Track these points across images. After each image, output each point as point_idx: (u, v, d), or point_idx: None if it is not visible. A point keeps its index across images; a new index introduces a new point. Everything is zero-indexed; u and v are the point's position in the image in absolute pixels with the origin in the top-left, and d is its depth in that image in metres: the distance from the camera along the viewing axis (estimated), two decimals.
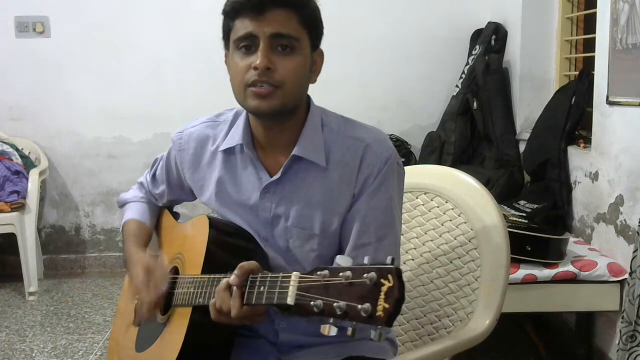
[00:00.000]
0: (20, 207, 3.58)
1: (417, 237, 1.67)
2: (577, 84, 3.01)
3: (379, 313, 0.88)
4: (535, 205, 2.90)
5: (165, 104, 3.99)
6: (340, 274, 0.93)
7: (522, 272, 2.43)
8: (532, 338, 2.92)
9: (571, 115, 2.99)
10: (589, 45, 3.07)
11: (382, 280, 0.89)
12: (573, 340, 2.72)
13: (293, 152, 1.29)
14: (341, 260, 0.97)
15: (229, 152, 1.37)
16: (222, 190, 1.38)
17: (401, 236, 1.42)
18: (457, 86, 3.83)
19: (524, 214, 2.78)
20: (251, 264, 1.11)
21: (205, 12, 3.60)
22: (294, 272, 1.00)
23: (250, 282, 1.09)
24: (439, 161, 3.71)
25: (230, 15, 1.25)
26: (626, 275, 2.28)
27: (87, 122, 4.05)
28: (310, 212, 1.31)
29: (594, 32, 2.70)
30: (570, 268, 2.45)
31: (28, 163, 3.81)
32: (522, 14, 3.50)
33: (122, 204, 1.61)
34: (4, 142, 3.82)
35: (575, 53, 3.37)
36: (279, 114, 1.26)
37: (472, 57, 3.79)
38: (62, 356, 2.90)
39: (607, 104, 2.55)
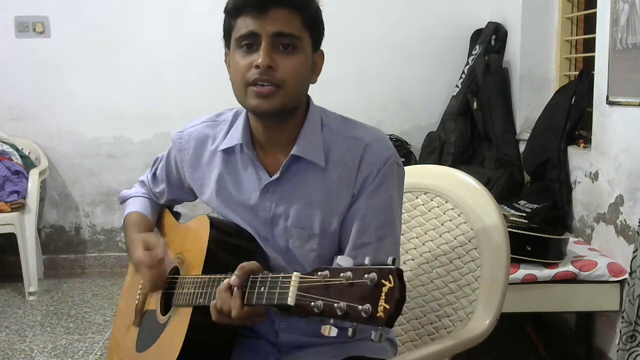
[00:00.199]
0: (20, 207, 3.58)
1: (417, 237, 1.67)
2: (577, 84, 3.01)
3: (380, 314, 0.88)
4: (535, 205, 2.90)
5: (165, 104, 3.99)
6: (341, 274, 0.93)
7: (522, 272, 2.43)
8: (532, 338, 2.92)
9: (571, 115, 2.99)
10: (589, 45, 3.07)
11: (383, 281, 0.89)
12: (573, 340, 2.72)
13: (292, 152, 1.29)
14: (341, 261, 0.96)
15: (228, 151, 1.37)
16: (222, 189, 1.38)
17: (401, 236, 1.42)
18: (457, 86, 3.83)
19: (524, 214, 2.78)
20: (252, 264, 1.11)
21: (205, 12, 3.64)
22: (295, 273, 1.00)
23: (251, 283, 1.09)
24: (439, 161, 3.71)
25: (232, 13, 1.25)
26: (626, 275, 2.28)
27: (87, 122, 4.05)
28: (309, 212, 1.31)
29: (594, 32, 2.70)
30: (570, 268, 2.45)
31: (28, 163, 3.81)
32: (522, 14, 3.50)
33: (124, 200, 1.61)
34: (4, 142, 3.82)
35: (575, 53, 3.37)
36: (279, 113, 1.26)
37: (472, 57, 3.79)
38: (62, 356, 2.90)
39: (607, 104, 2.55)
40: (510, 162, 3.44)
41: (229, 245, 1.30)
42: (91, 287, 3.85)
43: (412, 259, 1.66)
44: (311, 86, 1.32)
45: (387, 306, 0.88)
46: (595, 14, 2.70)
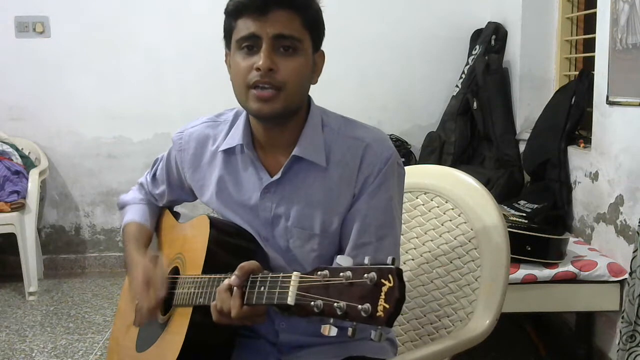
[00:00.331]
0: (20, 207, 3.58)
1: (417, 237, 1.67)
2: (577, 84, 3.01)
3: (379, 313, 0.88)
4: (535, 205, 2.90)
5: (165, 104, 3.99)
6: (341, 274, 0.93)
7: (522, 272, 2.43)
8: (532, 338, 2.92)
9: (571, 115, 2.99)
10: (589, 45, 3.07)
11: (383, 281, 0.89)
12: (573, 340, 2.72)
13: (293, 153, 1.29)
14: (341, 260, 0.97)
15: (229, 152, 1.37)
16: (223, 190, 1.38)
17: (401, 236, 1.42)
18: (457, 86, 3.83)
19: (524, 214, 2.78)
20: (252, 264, 1.11)
21: (205, 12, 3.64)
22: (294, 272, 1.00)
23: (251, 283, 1.09)
24: (439, 161, 3.71)
25: (232, 15, 1.25)
26: (626, 275, 2.28)
27: (87, 122, 4.05)
28: (310, 212, 1.31)
29: (594, 32, 2.70)
30: (570, 268, 2.45)
31: (28, 163, 3.81)
32: (522, 14, 3.50)
33: (122, 206, 1.61)
34: (4, 142, 3.82)
35: (575, 53, 3.37)
36: (280, 116, 1.26)
37: (472, 57, 3.79)
38: (62, 356, 2.90)
39: (607, 104, 2.55)
40: (510, 162, 3.44)
41: (229, 245, 1.30)
42: (91, 287, 3.85)
43: (412, 259, 1.66)
44: (312, 86, 1.32)
45: (387, 306, 0.88)
46: (595, 14, 2.70)
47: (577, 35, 3.36)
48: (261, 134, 1.33)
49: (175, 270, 1.39)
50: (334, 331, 0.94)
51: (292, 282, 0.99)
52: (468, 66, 3.79)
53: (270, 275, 1.07)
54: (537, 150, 3.17)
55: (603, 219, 2.63)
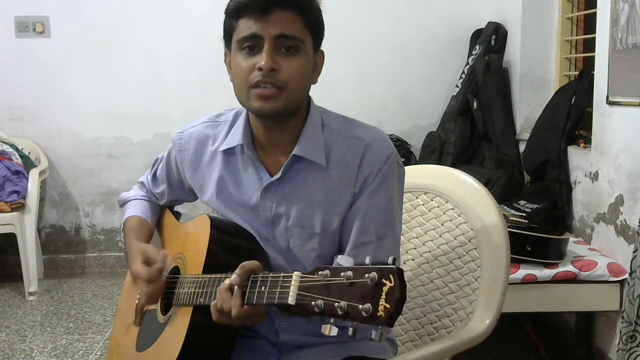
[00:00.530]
0: (20, 207, 3.58)
1: (417, 237, 1.67)
2: (577, 84, 3.01)
3: (380, 313, 0.88)
4: (535, 205, 2.90)
5: (165, 104, 3.99)
6: (342, 273, 0.93)
7: (522, 272, 2.43)
8: (532, 338, 2.92)
9: (571, 115, 2.99)
10: (589, 45, 3.07)
11: (384, 280, 0.89)
12: (573, 340, 2.72)
13: (293, 152, 1.30)
14: (342, 260, 0.97)
15: (229, 152, 1.38)
16: (223, 190, 1.38)
17: (401, 236, 1.42)
18: (457, 86, 3.83)
19: (524, 214, 2.78)
20: (253, 263, 1.11)
21: (205, 12, 3.64)
22: (295, 272, 1.00)
23: (251, 282, 1.09)
24: (439, 161, 3.71)
25: (233, 15, 1.25)
26: (626, 275, 2.28)
27: (87, 122, 4.05)
28: (310, 212, 1.31)
29: (594, 32, 2.70)
30: (570, 268, 2.45)
31: (28, 163, 3.81)
32: (522, 14, 3.50)
33: (123, 203, 1.61)
34: (4, 142, 3.82)
35: (575, 53, 3.37)
36: (281, 115, 1.26)
37: (472, 57, 3.79)
38: (62, 356, 2.90)
39: (607, 104, 2.55)
40: (510, 162, 3.44)
41: (229, 245, 1.30)
42: (91, 287, 3.85)
43: (412, 259, 1.66)
44: (312, 86, 1.32)
45: (388, 305, 0.88)
46: (595, 14, 2.70)
47: (577, 35, 3.36)
48: (261, 133, 1.33)
49: (176, 270, 1.39)
50: (334, 331, 0.94)
51: (292, 282, 0.99)
52: (468, 66, 3.79)
53: (271, 275, 1.07)
54: (537, 150, 3.17)
55: (603, 219, 2.63)
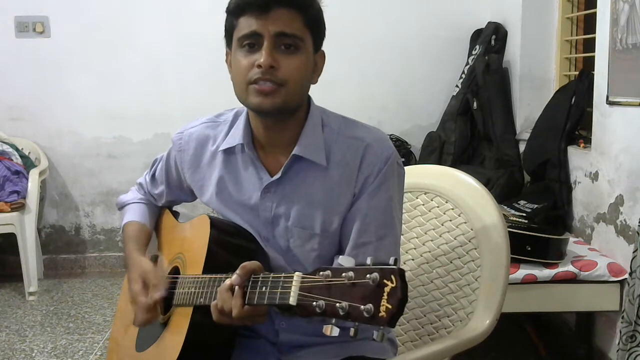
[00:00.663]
0: (20, 207, 3.58)
1: (417, 237, 1.67)
2: (577, 84, 3.01)
3: (382, 314, 0.88)
4: (535, 205, 2.90)
5: (166, 104, 4.00)
6: (343, 274, 0.93)
7: (522, 272, 2.43)
8: (532, 338, 2.92)
9: (571, 115, 2.99)
10: (589, 45, 3.07)
11: (385, 281, 0.89)
12: (573, 340, 2.72)
13: (293, 152, 1.30)
14: (343, 261, 0.96)
15: (229, 152, 1.38)
16: (223, 190, 1.38)
17: (401, 236, 1.42)
18: (457, 86, 3.83)
19: (524, 214, 2.78)
20: (253, 263, 1.11)
21: (205, 11, 3.64)
22: (296, 272, 1.00)
23: (252, 282, 1.09)
24: (439, 161, 3.71)
25: (234, 13, 1.25)
26: (626, 275, 2.28)
27: (87, 122, 4.05)
28: (310, 212, 1.31)
29: (594, 32, 2.70)
30: (570, 268, 2.45)
31: (28, 163, 3.81)
32: (522, 14, 3.50)
33: (122, 206, 1.61)
34: (4, 142, 3.82)
35: (575, 53, 3.38)
36: (280, 112, 1.26)
37: (472, 57, 3.79)
38: (62, 356, 2.90)
39: (607, 104, 2.55)
40: (510, 162, 3.44)
41: (229, 245, 1.30)
42: (91, 287, 3.85)
43: (412, 259, 1.66)
44: (312, 86, 1.32)
45: (389, 306, 0.88)
46: (595, 14, 2.70)
47: (577, 35, 3.36)
48: (261, 133, 1.33)
49: (176, 270, 1.39)
50: (335, 331, 0.94)
51: (294, 282, 0.99)
52: (468, 66, 3.79)
53: (271, 275, 1.07)
54: (537, 150, 3.17)
55: (603, 219, 2.63)
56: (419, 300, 1.62)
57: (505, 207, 2.89)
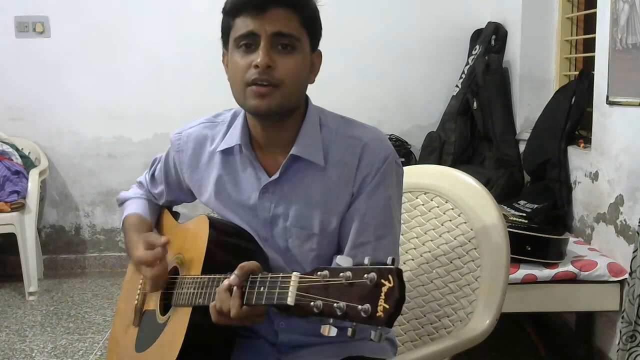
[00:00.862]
0: (20, 207, 3.58)
1: (417, 237, 1.67)
2: (577, 84, 3.01)
3: (379, 313, 0.88)
4: (535, 205, 2.89)
5: (165, 104, 4.00)
6: (341, 274, 0.93)
7: (522, 272, 2.43)
8: (532, 338, 2.92)
9: (571, 115, 2.99)
10: (589, 45, 3.07)
11: (383, 281, 0.89)
12: (573, 340, 2.72)
13: (291, 152, 1.29)
14: (341, 261, 0.96)
15: (227, 152, 1.37)
16: (221, 190, 1.38)
17: (401, 236, 1.41)
18: (457, 86, 3.83)
19: (524, 214, 2.78)
20: (252, 264, 1.11)
21: (205, 12, 3.62)
22: (294, 273, 1.00)
23: (250, 283, 1.09)
24: (439, 161, 3.71)
25: (231, 13, 1.25)
26: (626, 275, 2.28)
27: (87, 122, 4.05)
28: (309, 212, 1.31)
29: (594, 32, 2.70)
30: (570, 268, 2.45)
31: (28, 163, 3.81)
32: (522, 14, 3.50)
33: (122, 202, 1.61)
34: (4, 142, 3.82)
35: (575, 53, 3.37)
36: (277, 113, 1.26)
37: (472, 57, 3.79)
38: (62, 356, 2.90)
39: (607, 104, 2.55)
40: (510, 162, 3.44)
41: (228, 245, 1.30)
42: (91, 287, 3.85)
43: (412, 259, 1.66)
44: (311, 86, 1.32)
45: (387, 306, 0.88)
46: (595, 14, 2.70)
47: (577, 35, 3.36)
48: (259, 133, 1.33)
49: (175, 271, 1.39)
50: (333, 331, 0.94)
51: (291, 283, 0.99)
52: (468, 66, 3.79)
53: (270, 275, 1.07)
54: (537, 150, 3.17)
55: (603, 219, 2.63)
56: (418, 300, 1.62)
57: (505, 207, 2.89)
